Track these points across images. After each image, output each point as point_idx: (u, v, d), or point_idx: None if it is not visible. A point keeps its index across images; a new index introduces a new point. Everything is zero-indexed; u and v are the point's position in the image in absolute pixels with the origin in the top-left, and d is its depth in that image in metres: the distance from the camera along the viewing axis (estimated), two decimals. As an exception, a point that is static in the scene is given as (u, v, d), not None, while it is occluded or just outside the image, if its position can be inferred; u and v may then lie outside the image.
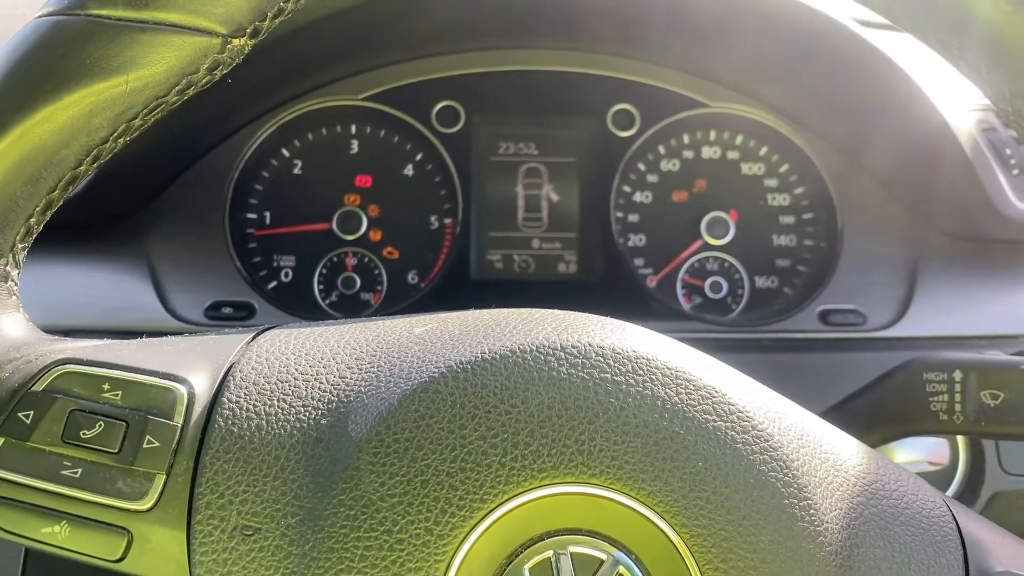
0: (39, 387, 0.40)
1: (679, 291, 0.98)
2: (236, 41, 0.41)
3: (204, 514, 0.38)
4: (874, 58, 0.87)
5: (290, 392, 0.40)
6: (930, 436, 0.82)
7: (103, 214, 0.87)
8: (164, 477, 0.39)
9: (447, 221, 0.97)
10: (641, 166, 0.99)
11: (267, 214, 0.96)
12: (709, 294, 0.98)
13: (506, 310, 0.45)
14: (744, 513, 0.38)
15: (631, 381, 0.39)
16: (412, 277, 0.97)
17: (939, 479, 0.84)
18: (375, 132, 0.97)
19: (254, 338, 0.44)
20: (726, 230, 0.98)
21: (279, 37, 0.80)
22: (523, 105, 0.97)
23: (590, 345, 0.40)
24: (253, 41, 0.42)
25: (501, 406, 0.38)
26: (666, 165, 0.99)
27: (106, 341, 0.44)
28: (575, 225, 0.98)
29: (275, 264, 0.95)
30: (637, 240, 0.98)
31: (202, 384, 0.41)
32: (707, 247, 0.98)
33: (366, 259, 0.96)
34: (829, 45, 0.88)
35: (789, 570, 0.37)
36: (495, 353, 0.39)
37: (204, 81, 0.42)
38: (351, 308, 0.95)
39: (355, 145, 0.97)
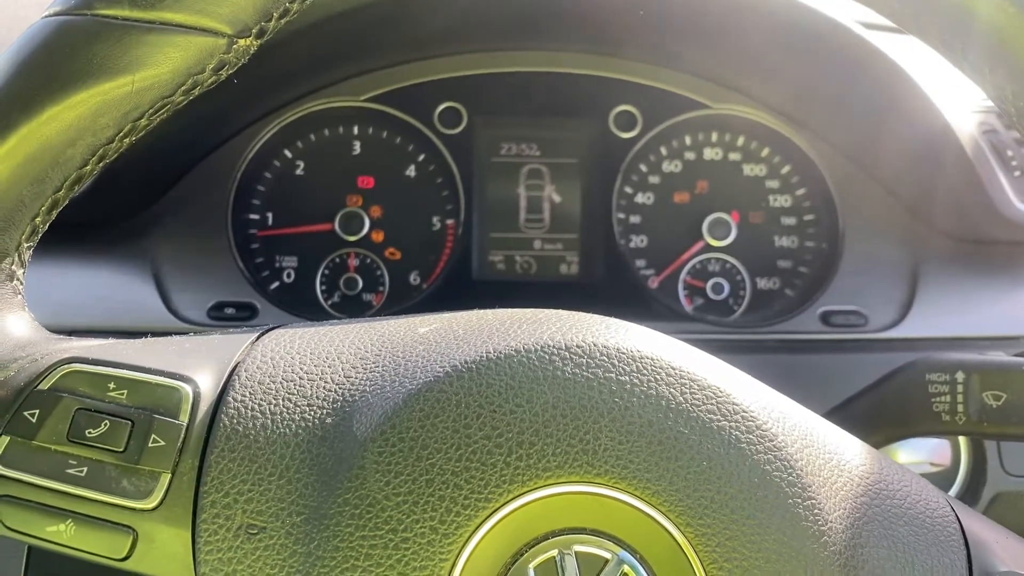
0: (45, 386, 0.40)
1: (681, 292, 0.98)
2: (242, 41, 0.41)
3: (209, 513, 0.38)
4: (876, 60, 0.87)
5: (295, 391, 0.40)
6: (932, 437, 0.82)
7: (107, 215, 0.87)
8: (169, 476, 0.39)
9: (449, 222, 0.97)
10: (643, 167, 0.99)
11: (269, 215, 0.96)
12: (711, 295, 0.98)
13: (510, 310, 0.45)
14: (748, 513, 0.38)
15: (636, 381, 0.39)
16: (414, 278, 0.97)
17: (941, 480, 0.84)
18: (377, 133, 0.98)
19: (259, 337, 0.44)
20: (728, 231, 0.98)
21: (282, 38, 0.80)
22: (525, 106, 0.97)
23: (595, 345, 0.40)
24: (259, 41, 0.42)
25: (506, 405, 0.38)
26: (668, 166, 1.00)
27: (111, 340, 0.44)
28: (577, 226, 0.98)
29: (277, 265, 0.96)
30: (639, 241, 0.99)
31: (207, 383, 0.41)
32: (709, 248, 0.99)
33: (368, 260, 0.97)
34: (831, 47, 0.88)
35: (793, 569, 0.37)
36: (500, 353, 0.39)
37: (210, 81, 0.42)
38: (353, 309, 0.95)
39: (357, 146, 0.98)
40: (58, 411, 0.39)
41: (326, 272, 0.96)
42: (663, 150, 0.99)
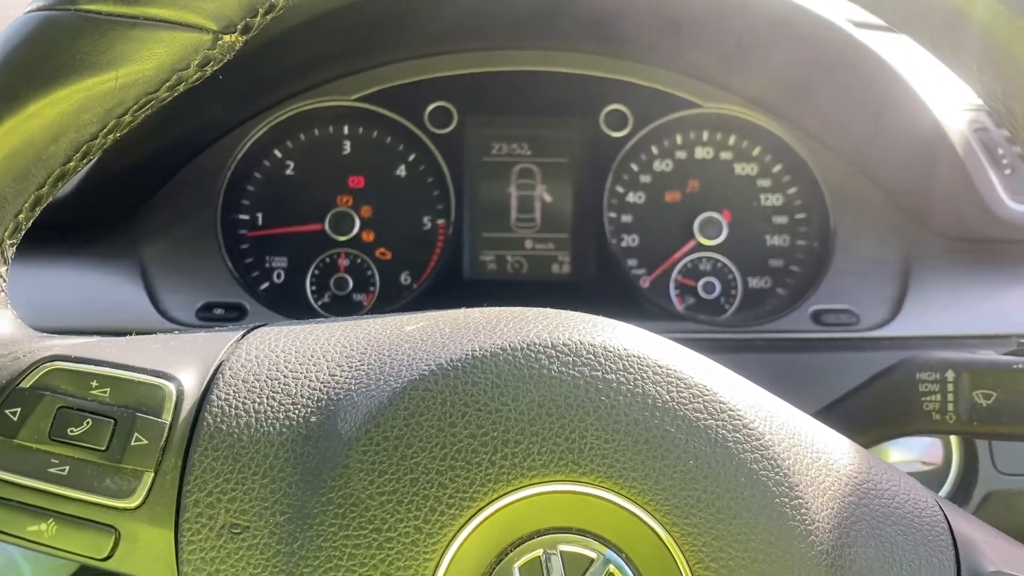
0: (26, 384, 0.40)
1: (672, 291, 0.98)
2: (227, 37, 0.41)
3: (192, 512, 0.38)
4: (868, 59, 0.87)
5: (280, 390, 0.40)
6: (923, 436, 0.82)
7: (95, 215, 0.86)
8: (152, 475, 0.38)
9: (440, 222, 0.97)
10: (634, 166, 0.99)
11: (259, 215, 0.96)
12: (702, 294, 0.98)
13: (497, 308, 0.44)
14: (735, 512, 0.37)
15: (622, 379, 0.39)
16: (405, 278, 0.96)
17: (932, 479, 0.84)
18: (367, 133, 0.97)
19: (244, 336, 0.43)
20: (719, 230, 0.98)
21: (272, 38, 0.80)
22: (516, 106, 0.97)
23: (581, 343, 0.40)
24: (244, 37, 0.42)
25: (491, 404, 0.38)
26: (659, 165, 0.99)
27: (95, 338, 0.43)
28: (568, 226, 0.97)
29: (267, 265, 0.95)
30: (630, 240, 0.98)
31: (191, 382, 0.40)
32: (700, 247, 0.98)
33: (359, 260, 0.96)
34: (822, 46, 0.88)
35: (780, 569, 0.37)
36: (485, 351, 0.39)
37: (195, 77, 0.41)
38: (344, 309, 0.95)
39: (347, 146, 0.97)
40: (40, 409, 0.39)
41: (316, 272, 0.96)
42: (654, 149, 0.99)
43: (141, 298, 0.84)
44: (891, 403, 0.64)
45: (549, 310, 0.44)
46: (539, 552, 0.37)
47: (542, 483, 0.37)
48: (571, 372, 0.39)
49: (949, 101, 0.90)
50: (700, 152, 1.00)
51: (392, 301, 0.95)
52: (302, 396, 0.39)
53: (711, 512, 0.37)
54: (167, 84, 0.41)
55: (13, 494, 0.39)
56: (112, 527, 0.38)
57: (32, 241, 0.44)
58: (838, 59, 0.88)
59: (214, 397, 0.40)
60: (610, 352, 0.40)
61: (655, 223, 0.99)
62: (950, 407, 0.61)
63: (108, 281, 0.84)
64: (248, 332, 0.44)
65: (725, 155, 1.00)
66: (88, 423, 0.39)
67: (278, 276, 0.95)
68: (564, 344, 0.40)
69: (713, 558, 0.37)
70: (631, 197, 0.99)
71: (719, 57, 0.95)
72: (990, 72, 0.39)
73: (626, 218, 0.98)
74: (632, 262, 0.98)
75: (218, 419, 0.39)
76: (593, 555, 0.37)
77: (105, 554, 0.38)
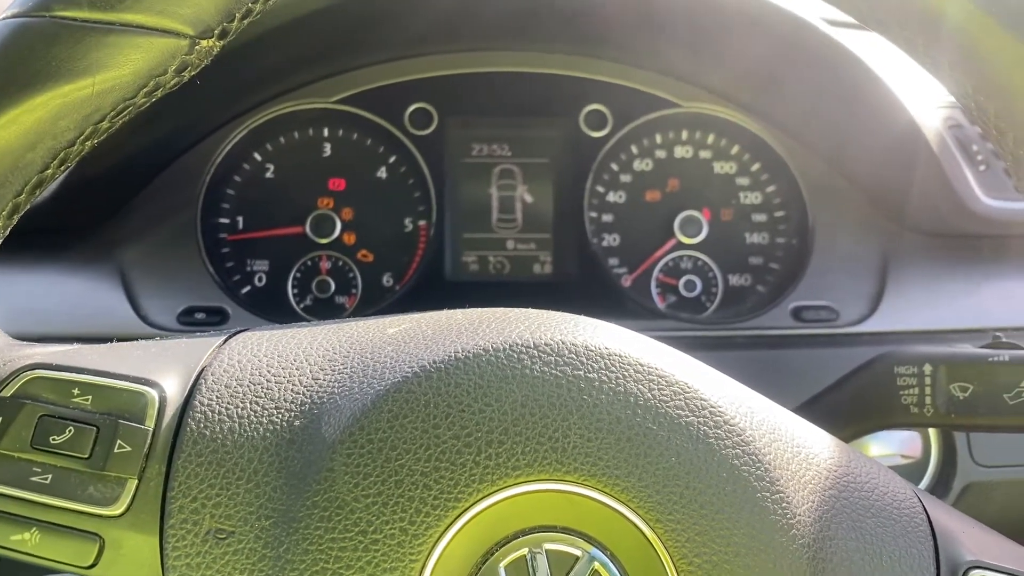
0: (7, 393, 0.39)
1: (653, 290, 0.99)
2: (204, 42, 0.41)
3: (177, 518, 0.38)
4: (842, 57, 0.88)
5: (262, 394, 0.40)
6: (902, 429, 0.83)
7: (74, 220, 0.86)
8: (136, 482, 0.38)
9: (421, 223, 0.97)
10: (614, 166, 0.99)
11: (240, 218, 0.95)
12: (683, 292, 0.99)
13: (479, 309, 0.45)
14: (717, 507, 0.38)
15: (604, 378, 0.39)
16: (387, 280, 0.96)
17: (912, 472, 0.85)
18: (347, 135, 0.97)
19: (226, 341, 0.43)
20: (699, 229, 0.99)
21: (251, 41, 0.80)
22: (496, 107, 0.97)
23: (563, 343, 0.40)
24: (222, 42, 0.42)
25: (475, 405, 0.38)
26: (639, 165, 1.00)
27: (75, 345, 0.43)
28: (549, 226, 0.98)
29: (248, 268, 0.95)
30: (611, 240, 0.99)
31: (173, 388, 0.40)
32: (680, 246, 0.99)
33: (340, 262, 0.96)
34: (797, 44, 0.88)
35: (762, 563, 0.38)
36: (468, 352, 0.39)
37: (172, 83, 0.41)
38: (326, 312, 0.95)
39: (327, 148, 0.97)
40: (21, 418, 0.39)
41: (298, 275, 0.95)
42: (634, 149, 1.00)
43: (121, 303, 0.83)
44: (870, 397, 0.65)
45: (531, 310, 0.44)
46: (524, 551, 0.37)
47: (526, 482, 0.37)
48: (553, 372, 0.39)
49: (924, 98, 0.91)
50: (679, 151, 1.01)
51: (375, 303, 0.95)
52: (285, 400, 0.40)
53: (694, 508, 0.38)
54: (144, 90, 0.41)
55: None
56: (96, 535, 0.38)
57: (9, 247, 0.43)
58: (813, 57, 0.89)
59: (197, 403, 0.39)
60: (592, 351, 0.40)
61: (636, 222, 0.99)
62: (928, 400, 0.62)
63: (88, 286, 0.84)
64: (230, 337, 0.44)
65: (704, 154, 1.01)
66: (70, 431, 0.38)
67: (259, 279, 0.95)
68: (546, 344, 0.40)
69: (697, 553, 0.37)
70: (611, 196, 0.99)
71: (697, 56, 0.96)
72: (960, 69, 0.40)
73: (607, 217, 0.99)
74: (613, 261, 0.98)
75: (201, 425, 0.39)
76: (578, 553, 0.37)
77: (90, 562, 0.38)
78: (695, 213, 0.99)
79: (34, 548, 0.39)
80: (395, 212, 0.97)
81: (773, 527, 0.38)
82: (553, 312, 0.44)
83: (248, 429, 0.39)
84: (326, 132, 0.97)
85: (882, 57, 0.88)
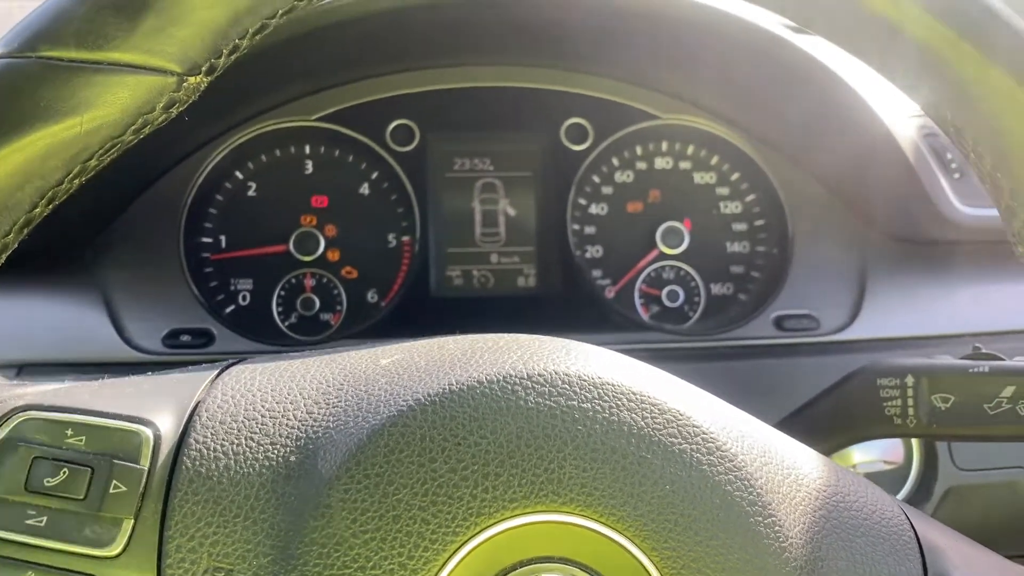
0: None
1: (637, 301, 0.99)
2: (192, 79, 0.41)
3: (174, 558, 0.38)
4: (816, 68, 0.89)
5: (257, 430, 0.40)
6: (900, 444, 0.85)
7: (55, 244, 0.85)
8: (132, 522, 0.38)
9: (405, 239, 0.97)
10: (595, 178, 1.00)
11: (223, 238, 0.95)
12: (666, 303, 0.99)
13: (470, 337, 0.45)
14: (711, 534, 0.38)
15: (597, 408, 0.40)
16: (372, 296, 0.97)
17: (894, 477, 0.86)
18: (329, 152, 0.97)
19: (218, 375, 0.43)
20: (681, 239, 1.00)
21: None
22: (477, 121, 0.97)
23: (556, 373, 0.40)
24: (209, 78, 0.42)
25: (470, 438, 0.38)
26: (620, 177, 1.01)
27: (67, 384, 0.43)
28: (532, 239, 0.98)
29: (232, 288, 0.95)
30: (594, 252, 0.99)
31: (168, 425, 0.40)
32: (663, 256, 1.00)
33: (325, 280, 0.96)
34: (772, 58, 0.89)
35: None
36: (462, 384, 0.40)
37: (160, 119, 0.41)
38: (311, 329, 0.95)
39: (309, 165, 0.97)
40: (14, 461, 0.39)
41: (282, 293, 0.95)
42: (615, 161, 1.00)
43: (105, 327, 0.83)
44: (854, 409, 0.65)
45: (522, 337, 0.45)
46: None
47: (523, 514, 0.38)
48: (547, 403, 0.39)
49: (898, 107, 0.92)
50: (660, 162, 1.01)
51: (360, 319, 0.95)
52: (280, 436, 0.40)
53: (689, 535, 0.38)
54: (133, 128, 0.41)
55: None
56: None
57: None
58: (788, 69, 0.90)
59: (192, 440, 0.39)
60: (584, 381, 0.40)
61: (618, 234, 1.00)
62: (911, 411, 0.63)
63: (71, 311, 0.83)
64: (222, 371, 0.44)
65: (684, 165, 1.02)
66: (65, 472, 0.38)
67: (244, 299, 0.95)
68: (539, 375, 0.40)
69: None
70: (594, 209, 1.00)
71: (675, 69, 0.97)
72: (942, 98, 0.41)
73: (589, 230, 1.00)
74: (597, 273, 0.99)
75: (197, 463, 0.39)
76: None
77: None
78: (676, 224, 1.00)
79: None
80: (378, 228, 0.97)
81: (767, 551, 0.39)
82: (545, 339, 0.45)
83: (244, 466, 0.39)
84: (308, 149, 0.97)
85: (856, 67, 0.90)
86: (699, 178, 1.02)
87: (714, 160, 1.02)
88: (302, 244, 0.95)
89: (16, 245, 0.42)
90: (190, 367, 0.45)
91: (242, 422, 0.40)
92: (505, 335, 0.45)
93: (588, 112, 0.98)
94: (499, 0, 0.87)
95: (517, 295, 0.97)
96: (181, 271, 0.89)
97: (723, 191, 1.02)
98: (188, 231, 0.91)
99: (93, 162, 0.41)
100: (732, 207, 1.02)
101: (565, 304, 0.96)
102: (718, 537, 0.38)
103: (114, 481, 0.38)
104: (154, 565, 0.38)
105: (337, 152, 0.97)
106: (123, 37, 0.38)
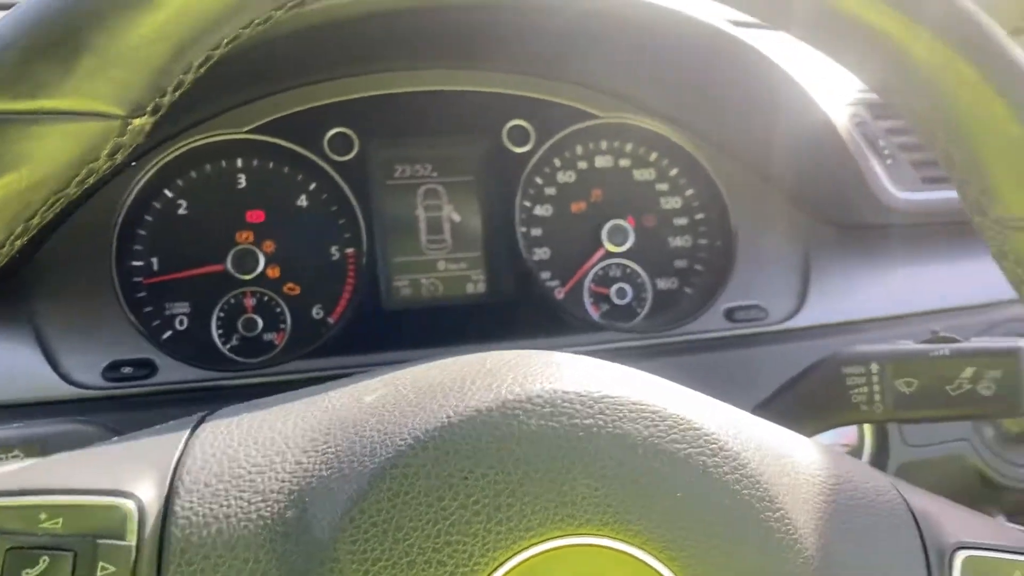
0: None
1: (587, 300, 0.99)
2: (136, 121, 0.37)
3: None
4: (752, 58, 0.90)
5: (247, 488, 0.37)
6: (854, 425, 0.87)
7: (-26, 277, 0.80)
8: None
9: (348, 251, 0.94)
10: (539, 180, 0.99)
11: (154, 260, 0.90)
12: (615, 300, 0.99)
13: (451, 361, 0.44)
14: (725, 535, 0.38)
15: (601, 423, 0.39)
16: (317, 312, 0.93)
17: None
18: (263, 164, 0.93)
19: (193, 432, 0.40)
20: (626, 237, 1.00)
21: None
22: (417, 127, 0.95)
23: (554, 391, 0.39)
24: (155, 118, 0.38)
25: (477, 470, 0.37)
26: (562, 177, 1.00)
27: (30, 462, 0.39)
28: (479, 244, 0.97)
29: (168, 313, 0.90)
30: (542, 253, 0.99)
31: (150, 495, 0.37)
32: (609, 255, 1.00)
33: (266, 298, 0.93)
34: (705, 49, 0.90)
35: None
36: (461, 416, 0.38)
37: (106, 167, 0.38)
38: (255, 351, 0.91)
39: (243, 179, 0.93)
40: None
41: (221, 315, 0.91)
42: (557, 161, 1.00)
43: (39, 363, 0.77)
44: (821, 399, 0.67)
45: (507, 354, 0.44)
46: None
47: (540, 542, 0.37)
48: (551, 424, 0.38)
49: (831, 96, 0.94)
50: (600, 161, 1.01)
51: (305, 337, 0.92)
52: (271, 491, 0.37)
53: (704, 539, 0.38)
54: (77, 179, 0.37)
55: None
56: None
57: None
58: (723, 61, 0.91)
59: (177, 508, 0.37)
60: (584, 396, 0.39)
61: (564, 234, 0.99)
62: (877, 397, 0.64)
63: (0, 348, 0.78)
64: (196, 426, 0.41)
65: (624, 162, 1.02)
66: (45, 560, 0.35)
67: (181, 323, 0.90)
68: (538, 395, 0.39)
69: None
70: (539, 210, 0.99)
71: (611, 68, 0.97)
72: (934, 120, 0.41)
73: (536, 231, 0.99)
74: (546, 275, 0.98)
75: (186, 532, 0.36)
76: None
77: None
78: (621, 222, 1.00)
79: None
80: (320, 241, 0.94)
81: (780, 544, 0.39)
82: (529, 353, 0.43)
83: (238, 528, 0.36)
84: (240, 163, 0.93)
85: (791, 55, 0.91)
86: (639, 175, 1.02)
87: (653, 157, 1.02)
88: (240, 262, 0.91)
89: None
90: (158, 426, 0.42)
91: (228, 481, 0.38)
92: (488, 354, 0.44)
93: (529, 113, 0.97)
94: (434, 5, 0.85)
95: (467, 302, 0.96)
96: (115, 298, 0.84)
97: (663, 187, 1.03)
98: (120, 255, 0.86)
99: (36, 220, 0.37)
100: (673, 202, 1.03)
101: (516, 308, 0.95)
102: (731, 537, 0.38)
103: (100, 563, 0.35)
104: None
105: (272, 164, 0.93)
106: (58, 82, 0.35)
